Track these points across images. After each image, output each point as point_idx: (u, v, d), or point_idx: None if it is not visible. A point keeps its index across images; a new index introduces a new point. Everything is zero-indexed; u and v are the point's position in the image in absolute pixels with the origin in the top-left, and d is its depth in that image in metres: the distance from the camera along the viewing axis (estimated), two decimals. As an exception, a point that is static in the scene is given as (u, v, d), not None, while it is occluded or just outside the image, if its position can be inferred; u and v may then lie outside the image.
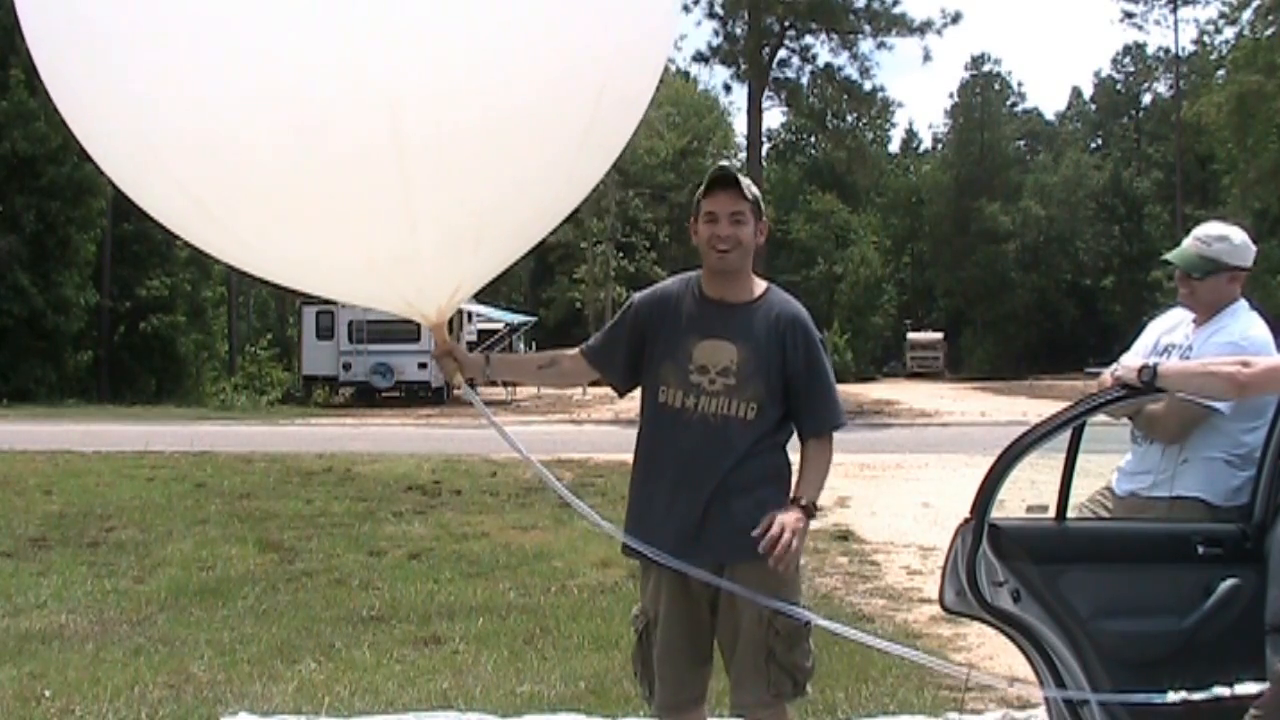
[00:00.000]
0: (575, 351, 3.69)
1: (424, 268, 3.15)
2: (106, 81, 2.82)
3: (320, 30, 2.58)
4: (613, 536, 3.53)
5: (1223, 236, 3.86)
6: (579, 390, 36.60)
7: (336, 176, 2.79)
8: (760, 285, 3.48)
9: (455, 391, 3.55)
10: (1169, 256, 3.94)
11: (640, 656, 3.50)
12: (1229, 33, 49.68)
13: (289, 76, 2.63)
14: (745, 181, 3.38)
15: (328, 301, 38.05)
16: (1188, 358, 3.71)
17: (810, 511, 3.31)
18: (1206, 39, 58.43)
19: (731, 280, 3.42)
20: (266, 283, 3.63)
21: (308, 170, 2.78)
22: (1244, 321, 3.81)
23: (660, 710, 3.46)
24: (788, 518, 3.22)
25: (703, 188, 3.39)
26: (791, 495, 3.33)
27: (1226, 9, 47.83)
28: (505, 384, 34.94)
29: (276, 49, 2.61)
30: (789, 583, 3.35)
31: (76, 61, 2.90)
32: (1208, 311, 3.86)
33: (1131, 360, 3.61)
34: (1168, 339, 3.94)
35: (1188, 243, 3.90)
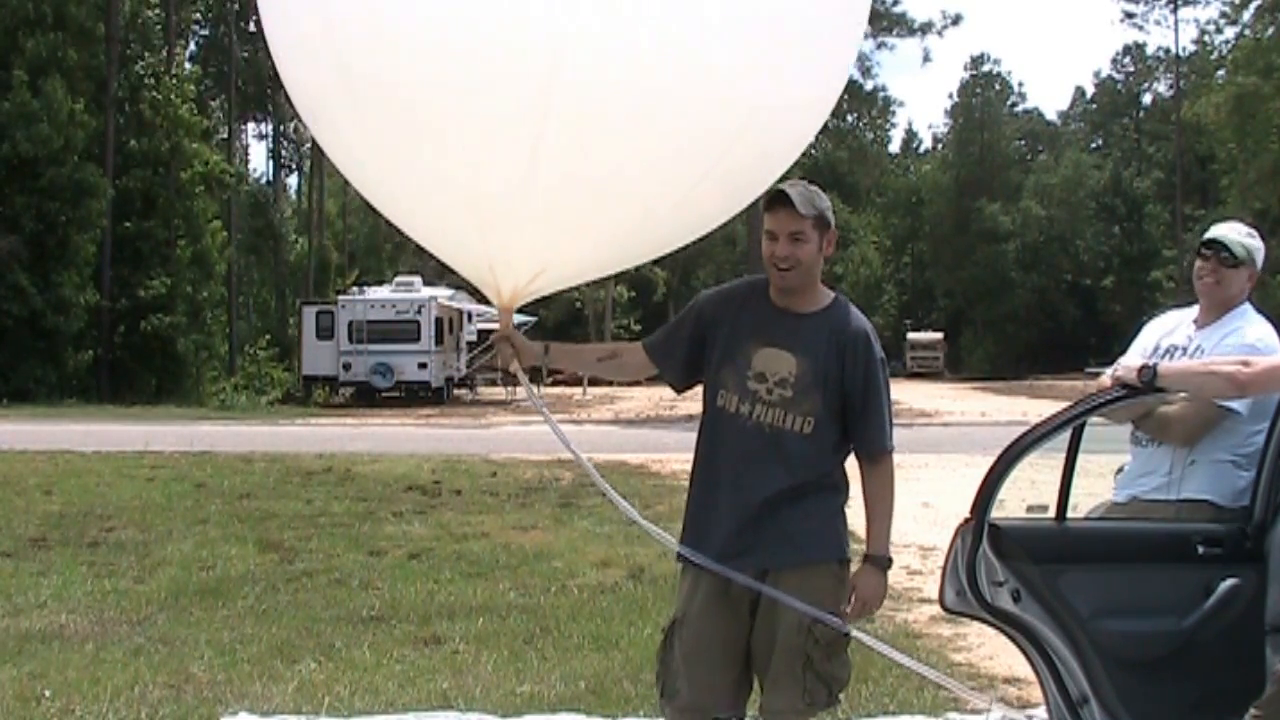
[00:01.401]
0: (637, 345, 3.68)
1: (520, 226, 3.14)
2: None
3: None
4: (670, 548, 3.53)
5: (1254, 235, 3.84)
6: (579, 390, 36.62)
7: (485, 89, 2.86)
8: (827, 296, 3.43)
9: (511, 369, 3.57)
10: (1220, 238, 3.81)
11: (662, 657, 3.48)
12: (1229, 33, 49.75)
13: (466, 6, 2.80)
14: (807, 197, 3.29)
15: (328, 301, 38.04)
16: (1198, 358, 3.68)
17: (885, 565, 3.36)
18: (1207, 39, 58.53)
19: (796, 291, 3.39)
20: (364, 200, 3.65)
21: (461, 74, 2.85)
22: (1256, 323, 3.77)
23: (684, 711, 3.40)
24: (871, 593, 3.34)
25: (763, 204, 3.34)
26: (865, 550, 3.37)
27: (1227, 9, 47.88)
28: (506, 384, 34.95)
29: None
30: (833, 593, 3.35)
31: None
32: (1223, 307, 3.81)
33: (1131, 361, 3.60)
34: (1168, 341, 3.90)
35: (1227, 233, 3.83)
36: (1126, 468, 3.94)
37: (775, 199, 3.30)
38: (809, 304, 3.40)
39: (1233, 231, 3.84)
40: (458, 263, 3.45)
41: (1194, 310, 3.92)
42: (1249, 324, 3.76)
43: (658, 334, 3.65)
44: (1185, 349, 3.80)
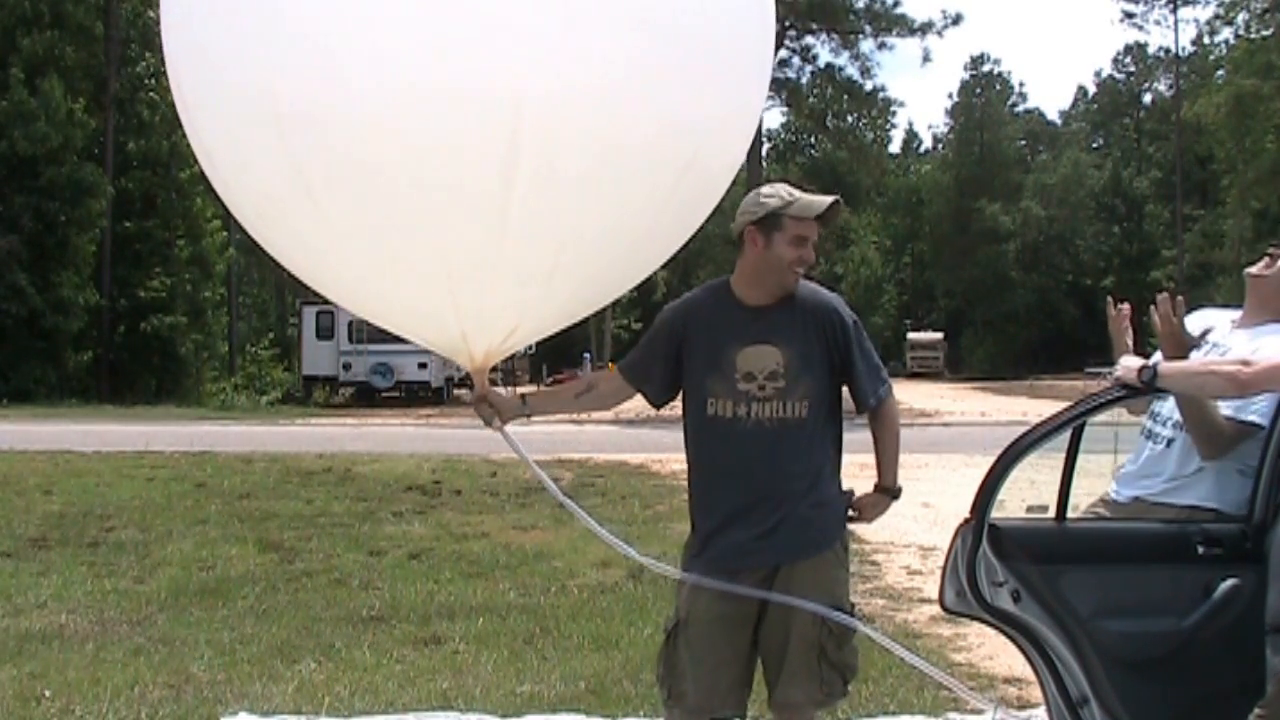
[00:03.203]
0: (612, 372, 3.73)
1: (496, 285, 3.14)
2: (240, 45, 2.90)
3: (455, 31, 2.72)
4: (668, 572, 3.61)
5: None
6: (579, 390, 36.58)
7: (447, 165, 2.83)
8: None
9: (494, 427, 3.59)
10: None
11: (665, 659, 3.49)
12: (1226, 33, 49.78)
13: (425, 74, 2.74)
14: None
15: (328, 301, 38.02)
16: (1224, 354, 3.65)
17: (895, 494, 3.56)
18: (1206, 39, 58.55)
19: (788, 288, 3.46)
20: (325, 300, 3.61)
21: (420, 155, 2.83)
22: None
23: (691, 713, 3.42)
24: (872, 506, 3.56)
25: (805, 212, 3.36)
26: (875, 483, 3.58)
27: (1222, 10, 47.91)
28: (505, 385, 34.97)
29: (419, 47, 2.72)
30: (841, 582, 3.43)
31: (213, 23, 2.97)
32: (1265, 310, 3.78)
33: (1131, 360, 3.59)
34: (1213, 336, 3.87)
35: None
36: (1129, 464, 3.92)
37: (830, 210, 3.38)
38: (776, 296, 3.46)
39: None
40: (427, 337, 3.42)
41: (1235, 312, 3.89)
42: None
43: (630, 356, 3.69)
44: (1221, 346, 3.77)
